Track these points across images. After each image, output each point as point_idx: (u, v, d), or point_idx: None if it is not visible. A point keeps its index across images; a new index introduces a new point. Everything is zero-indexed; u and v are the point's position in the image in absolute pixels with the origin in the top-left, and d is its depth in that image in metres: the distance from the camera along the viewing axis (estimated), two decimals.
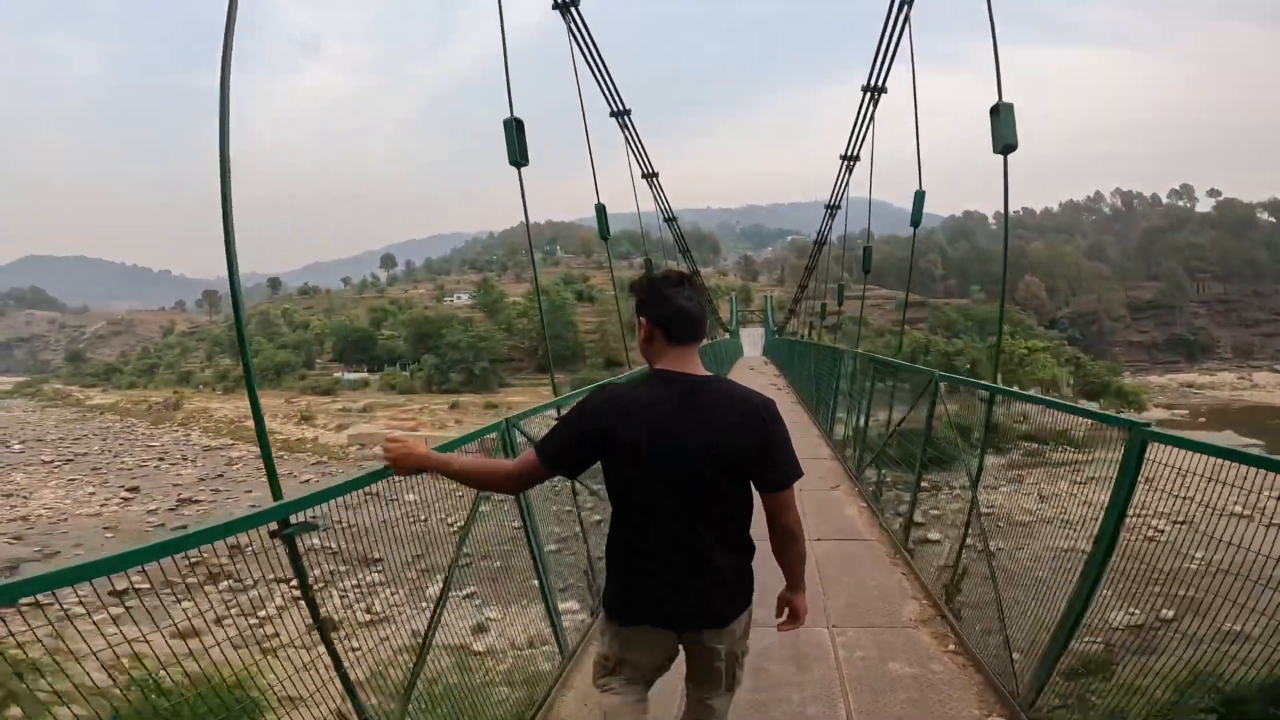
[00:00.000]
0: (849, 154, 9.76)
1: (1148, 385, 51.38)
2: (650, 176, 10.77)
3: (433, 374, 57.95)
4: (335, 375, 64.99)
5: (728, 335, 40.70)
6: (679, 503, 1.71)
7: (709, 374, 1.81)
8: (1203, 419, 41.90)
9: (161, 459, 35.82)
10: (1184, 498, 2.17)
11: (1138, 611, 2.54)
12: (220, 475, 30.63)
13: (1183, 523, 2.26)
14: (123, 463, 35.21)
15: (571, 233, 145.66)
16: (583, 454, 1.80)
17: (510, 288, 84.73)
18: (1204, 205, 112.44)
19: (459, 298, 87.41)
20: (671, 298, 1.77)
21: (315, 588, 2.09)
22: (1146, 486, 2.35)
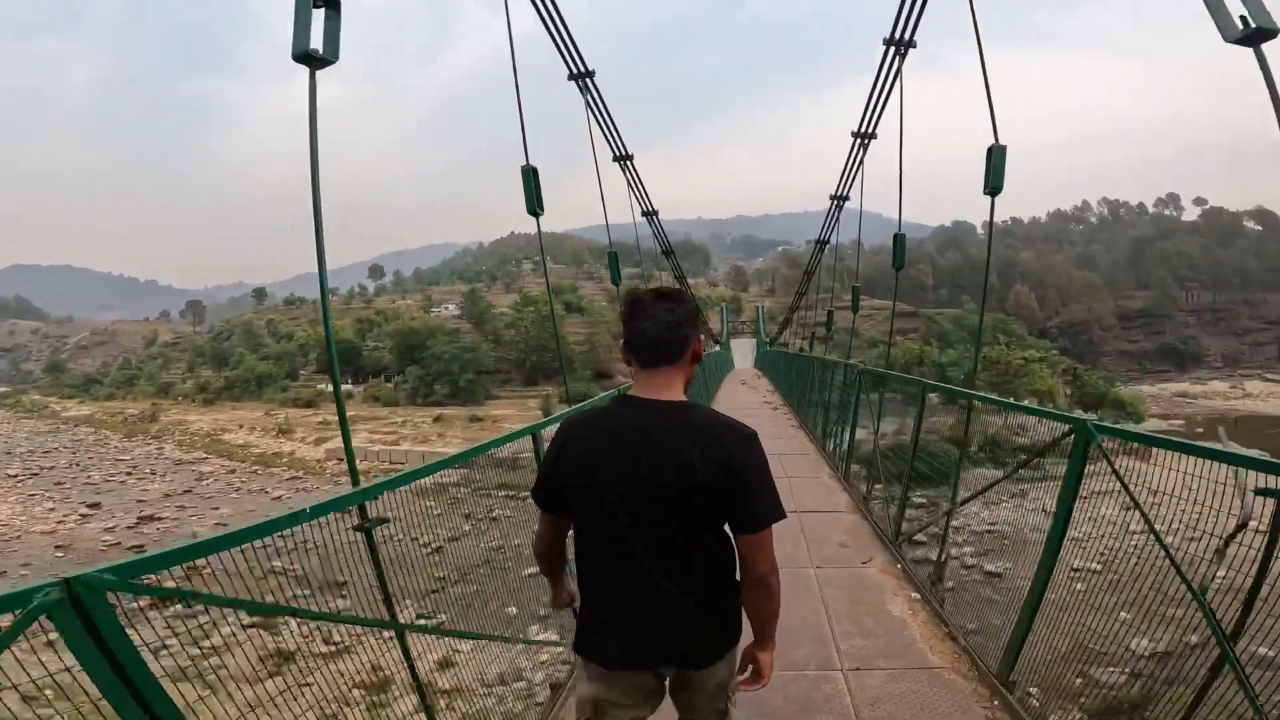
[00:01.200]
0: (864, 130, 8.25)
1: (1140, 395, 50.90)
2: (624, 159, 9.14)
3: (417, 386, 56.80)
4: (318, 387, 63.74)
5: (718, 347, 39.94)
6: (636, 542, 1.60)
7: (681, 400, 1.69)
8: (1200, 429, 41.42)
9: (129, 473, 34.42)
10: None
11: None
12: (188, 491, 29.34)
13: None
14: (89, 477, 33.79)
15: (562, 243, 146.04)
16: (559, 495, 1.71)
17: (498, 298, 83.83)
18: (1190, 214, 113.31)
19: (447, 308, 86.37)
20: (634, 318, 1.68)
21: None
22: None
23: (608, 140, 8.39)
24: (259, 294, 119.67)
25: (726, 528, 1.64)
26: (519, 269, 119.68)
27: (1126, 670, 2.57)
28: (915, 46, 6.41)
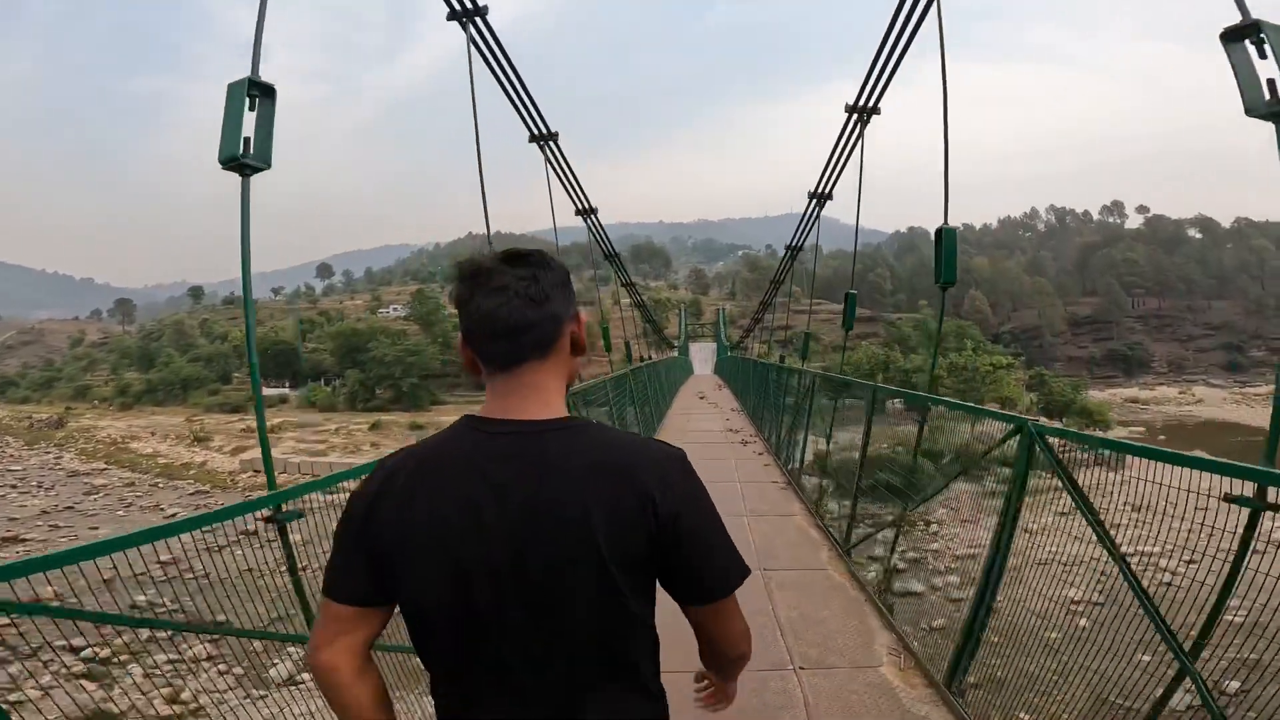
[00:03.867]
0: (820, 192, 8.87)
1: (1103, 403, 50.80)
2: (587, 213, 10.42)
3: (357, 390, 53.55)
4: (249, 391, 59.84)
5: (675, 352, 38.02)
6: (526, 643, 0.99)
7: (562, 416, 1.05)
8: (1162, 435, 41.04)
9: (15, 486, 30.79)
10: None
11: None
12: (70, 507, 26.08)
13: None
14: None
15: (521, 244, 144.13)
16: (370, 580, 1.02)
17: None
18: (1134, 221, 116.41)
19: (394, 309, 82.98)
20: (474, 295, 1.02)
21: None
22: None
23: (572, 199, 9.51)
24: (195, 293, 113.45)
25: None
26: None
27: None
28: (879, 113, 6.51)
